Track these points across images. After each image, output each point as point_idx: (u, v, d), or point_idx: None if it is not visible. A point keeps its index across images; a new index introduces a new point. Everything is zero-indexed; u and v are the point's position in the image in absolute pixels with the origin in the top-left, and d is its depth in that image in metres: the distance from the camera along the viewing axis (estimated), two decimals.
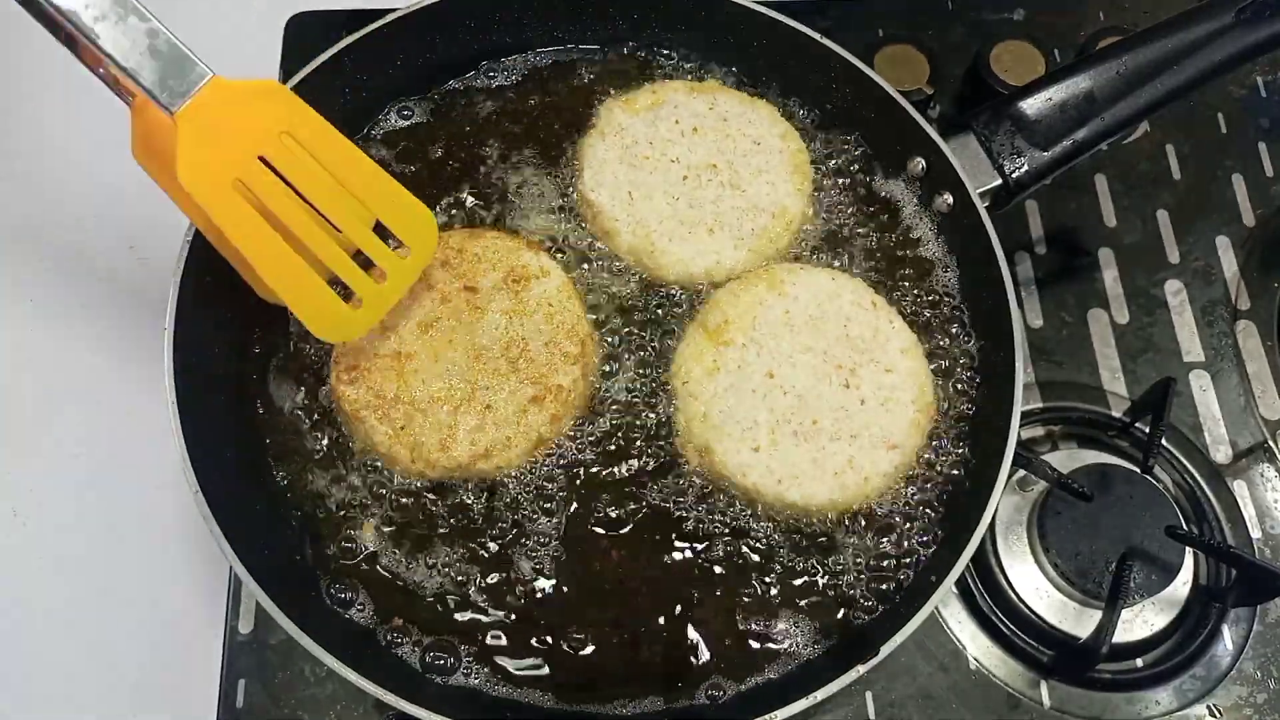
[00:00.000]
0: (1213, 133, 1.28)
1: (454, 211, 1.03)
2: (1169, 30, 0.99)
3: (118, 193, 1.24)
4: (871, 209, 1.04)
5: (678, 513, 0.92)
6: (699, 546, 0.91)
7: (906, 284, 1.01)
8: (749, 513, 0.91)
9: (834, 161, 1.07)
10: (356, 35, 1.00)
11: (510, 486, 0.92)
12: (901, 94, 1.01)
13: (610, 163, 1.01)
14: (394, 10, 1.01)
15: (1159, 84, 0.98)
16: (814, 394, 0.92)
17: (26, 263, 1.21)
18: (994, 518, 0.98)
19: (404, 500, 0.91)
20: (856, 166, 1.06)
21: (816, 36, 1.03)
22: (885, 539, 0.92)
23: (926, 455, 0.94)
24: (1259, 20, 0.98)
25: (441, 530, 0.91)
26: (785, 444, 0.90)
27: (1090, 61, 1.00)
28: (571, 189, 1.03)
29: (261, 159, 0.77)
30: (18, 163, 1.27)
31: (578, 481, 0.92)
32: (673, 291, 1.00)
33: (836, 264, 1.02)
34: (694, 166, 1.02)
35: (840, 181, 1.06)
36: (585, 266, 1.00)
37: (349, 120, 1.05)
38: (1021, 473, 1.03)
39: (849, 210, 1.04)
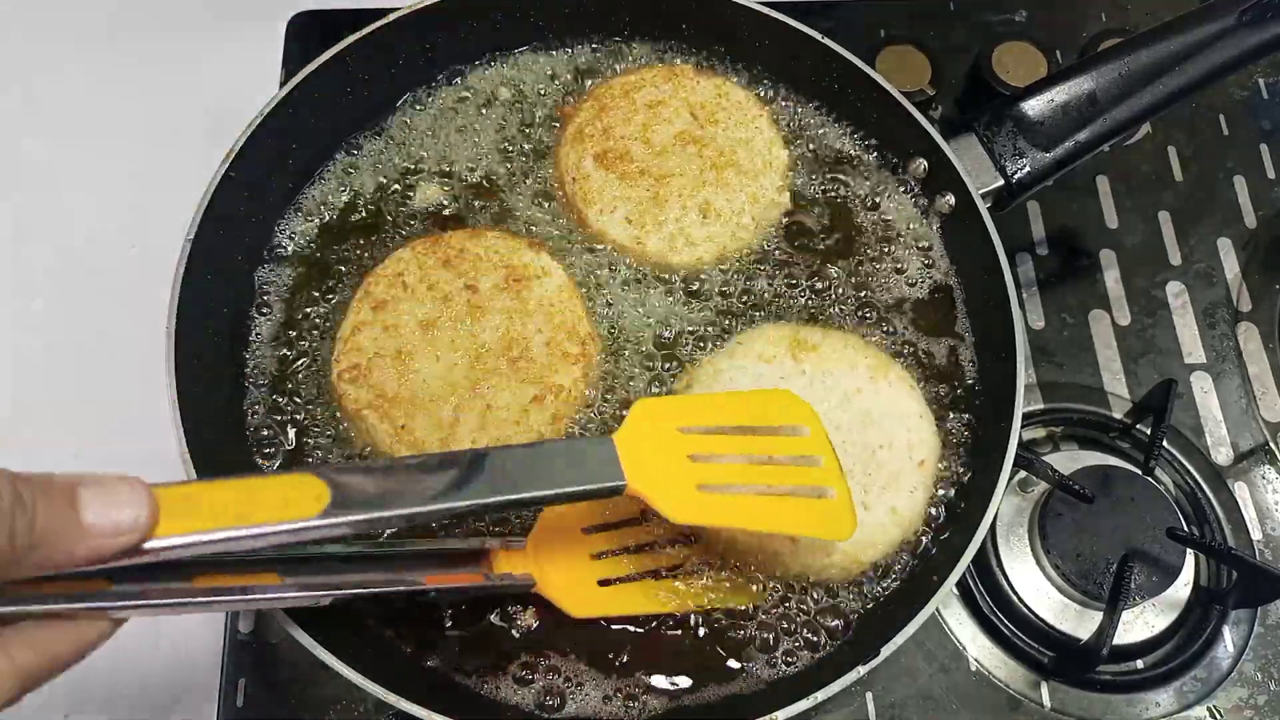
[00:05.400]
0: (1214, 134, 1.28)
1: (454, 211, 1.03)
2: (1171, 32, 0.99)
3: (118, 192, 1.25)
4: (872, 209, 1.04)
5: None
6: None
7: (907, 286, 1.01)
8: None
9: (834, 161, 1.07)
10: (358, 35, 1.00)
11: None
12: (903, 95, 1.01)
13: (600, 157, 1.02)
14: (396, 10, 1.01)
15: (1161, 85, 0.98)
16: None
17: (27, 262, 1.21)
18: (995, 519, 0.97)
19: None
20: (857, 166, 1.06)
21: (818, 36, 1.03)
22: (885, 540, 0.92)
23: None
24: (1261, 22, 0.97)
25: (441, 530, 0.90)
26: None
27: (1092, 63, 0.99)
28: (568, 186, 1.03)
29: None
30: (18, 162, 1.27)
31: None
32: (675, 290, 1.00)
33: (837, 266, 1.02)
34: (686, 160, 1.02)
35: (840, 181, 1.06)
36: (585, 266, 1.00)
37: (348, 120, 1.05)
38: (1022, 474, 1.03)
39: (848, 210, 1.04)
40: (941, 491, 0.92)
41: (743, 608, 0.88)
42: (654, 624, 0.88)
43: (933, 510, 0.92)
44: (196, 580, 0.66)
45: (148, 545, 0.57)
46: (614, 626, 0.88)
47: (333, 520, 0.62)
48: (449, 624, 0.88)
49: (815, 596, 0.90)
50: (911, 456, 0.90)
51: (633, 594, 0.87)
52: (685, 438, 0.78)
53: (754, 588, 0.88)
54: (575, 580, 0.85)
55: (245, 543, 0.60)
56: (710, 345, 0.97)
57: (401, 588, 0.76)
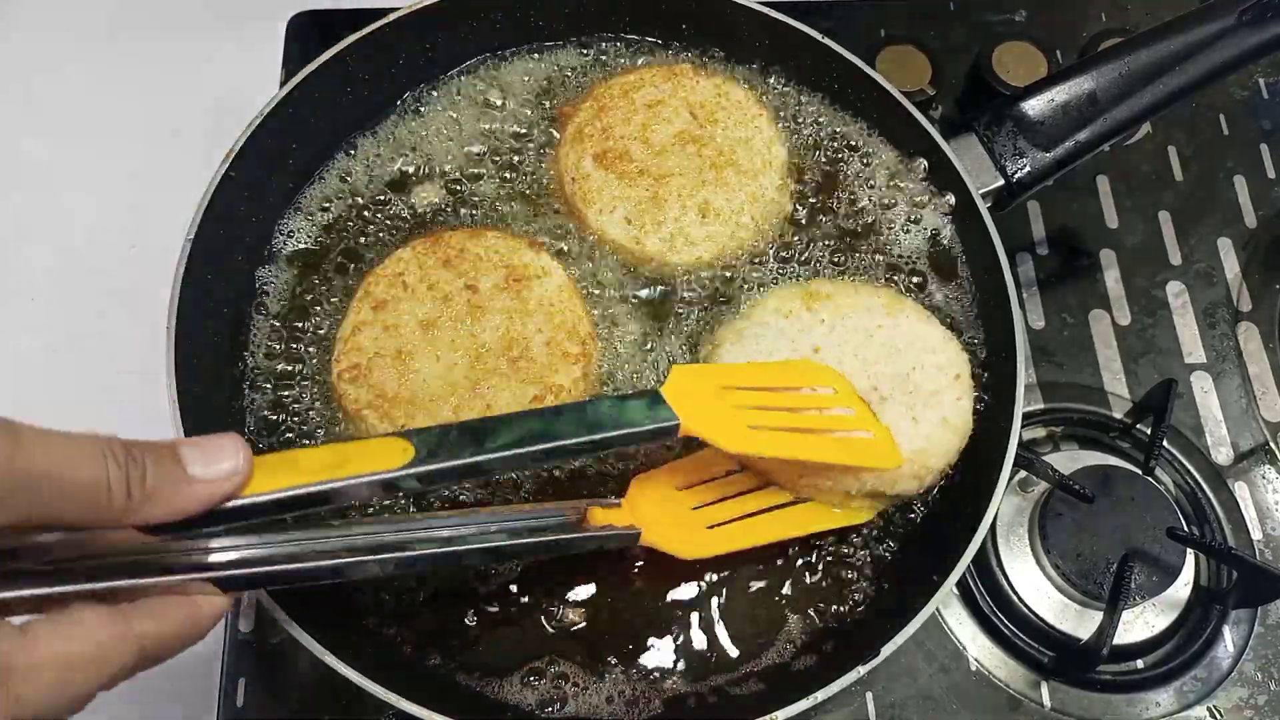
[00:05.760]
0: (1214, 134, 1.28)
1: (453, 211, 1.03)
2: (1171, 31, 0.99)
3: (118, 192, 1.25)
4: (871, 208, 1.04)
5: None
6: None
7: (908, 285, 1.01)
8: None
9: (834, 160, 1.07)
10: (358, 35, 1.00)
11: (511, 485, 0.92)
12: (903, 94, 1.01)
13: (600, 157, 1.02)
14: (396, 10, 1.01)
15: (1161, 85, 0.98)
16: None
17: (27, 262, 1.21)
18: (995, 518, 0.98)
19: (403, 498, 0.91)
20: (857, 166, 1.06)
21: (818, 36, 1.03)
22: (886, 540, 0.92)
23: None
24: (1261, 21, 0.97)
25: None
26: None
27: (1092, 63, 0.99)
28: (568, 186, 1.03)
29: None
30: (18, 162, 1.27)
31: (580, 480, 0.92)
32: (674, 289, 1.00)
33: (834, 262, 1.02)
34: (686, 159, 1.02)
35: (839, 180, 1.06)
36: (586, 265, 1.01)
37: (348, 120, 1.05)
38: (1023, 474, 1.03)
39: (847, 209, 1.04)
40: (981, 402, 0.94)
41: (861, 524, 0.91)
42: (668, 620, 0.89)
43: (932, 512, 0.92)
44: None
45: (252, 500, 0.62)
46: (630, 624, 0.88)
47: (420, 469, 0.67)
48: (472, 622, 0.88)
49: (813, 596, 0.90)
50: (945, 373, 0.92)
51: (745, 530, 0.88)
52: (726, 392, 0.82)
53: (866, 509, 0.90)
54: (683, 528, 0.86)
55: (338, 496, 0.65)
56: (710, 345, 0.97)
57: (503, 541, 0.77)
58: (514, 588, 0.89)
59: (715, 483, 0.89)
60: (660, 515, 0.86)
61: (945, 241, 1.02)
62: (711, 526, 0.87)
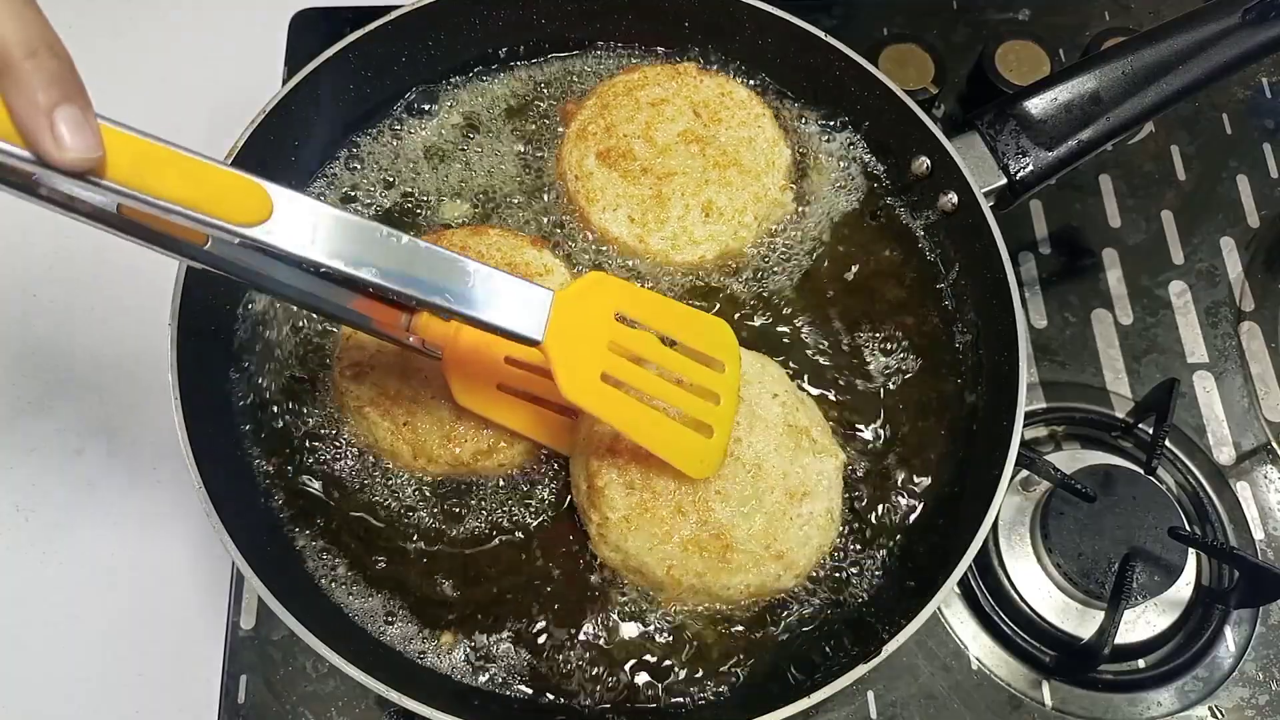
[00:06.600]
0: (1217, 133, 1.28)
1: (456, 209, 1.03)
2: (1174, 30, 0.99)
3: None
4: (873, 206, 1.04)
5: None
6: None
7: (910, 284, 1.01)
8: None
9: (836, 158, 1.07)
10: (360, 33, 1.00)
11: (512, 483, 0.92)
12: (906, 93, 1.01)
13: (603, 155, 1.02)
14: (398, 7, 1.01)
15: (1164, 84, 0.98)
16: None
17: (28, 262, 1.21)
18: (997, 518, 0.97)
19: (404, 496, 0.91)
20: (859, 164, 1.06)
21: (822, 35, 1.03)
22: (887, 539, 0.92)
23: (929, 459, 0.94)
24: (1264, 20, 0.97)
25: (443, 526, 0.91)
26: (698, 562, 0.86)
27: (1095, 61, 0.99)
28: (571, 184, 1.03)
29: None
30: None
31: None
32: (676, 288, 1.00)
33: (838, 265, 1.02)
34: (689, 158, 1.02)
35: (842, 178, 1.06)
36: (587, 264, 1.01)
37: (350, 118, 1.05)
38: (1025, 473, 1.03)
39: (849, 207, 1.04)
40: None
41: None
42: (669, 620, 0.89)
43: (934, 512, 0.92)
44: (124, 211, 0.69)
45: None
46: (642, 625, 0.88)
47: (265, 239, 0.66)
48: (473, 619, 0.88)
49: (814, 595, 0.90)
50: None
51: (521, 412, 0.88)
52: (615, 325, 0.79)
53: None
54: (478, 370, 0.86)
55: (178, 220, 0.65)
56: None
57: (328, 304, 0.76)
58: (515, 578, 0.90)
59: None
60: (473, 347, 0.82)
61: (940, 248, 1.02)
62: (502, 389, 0.87)
